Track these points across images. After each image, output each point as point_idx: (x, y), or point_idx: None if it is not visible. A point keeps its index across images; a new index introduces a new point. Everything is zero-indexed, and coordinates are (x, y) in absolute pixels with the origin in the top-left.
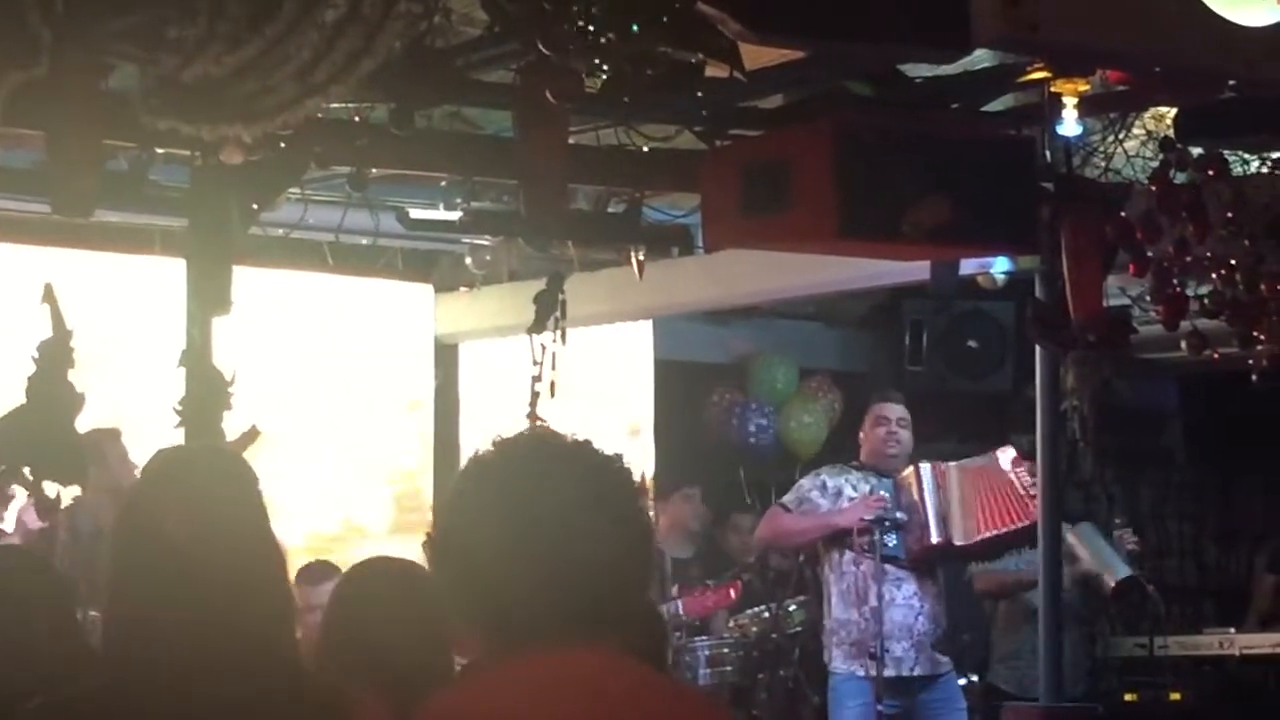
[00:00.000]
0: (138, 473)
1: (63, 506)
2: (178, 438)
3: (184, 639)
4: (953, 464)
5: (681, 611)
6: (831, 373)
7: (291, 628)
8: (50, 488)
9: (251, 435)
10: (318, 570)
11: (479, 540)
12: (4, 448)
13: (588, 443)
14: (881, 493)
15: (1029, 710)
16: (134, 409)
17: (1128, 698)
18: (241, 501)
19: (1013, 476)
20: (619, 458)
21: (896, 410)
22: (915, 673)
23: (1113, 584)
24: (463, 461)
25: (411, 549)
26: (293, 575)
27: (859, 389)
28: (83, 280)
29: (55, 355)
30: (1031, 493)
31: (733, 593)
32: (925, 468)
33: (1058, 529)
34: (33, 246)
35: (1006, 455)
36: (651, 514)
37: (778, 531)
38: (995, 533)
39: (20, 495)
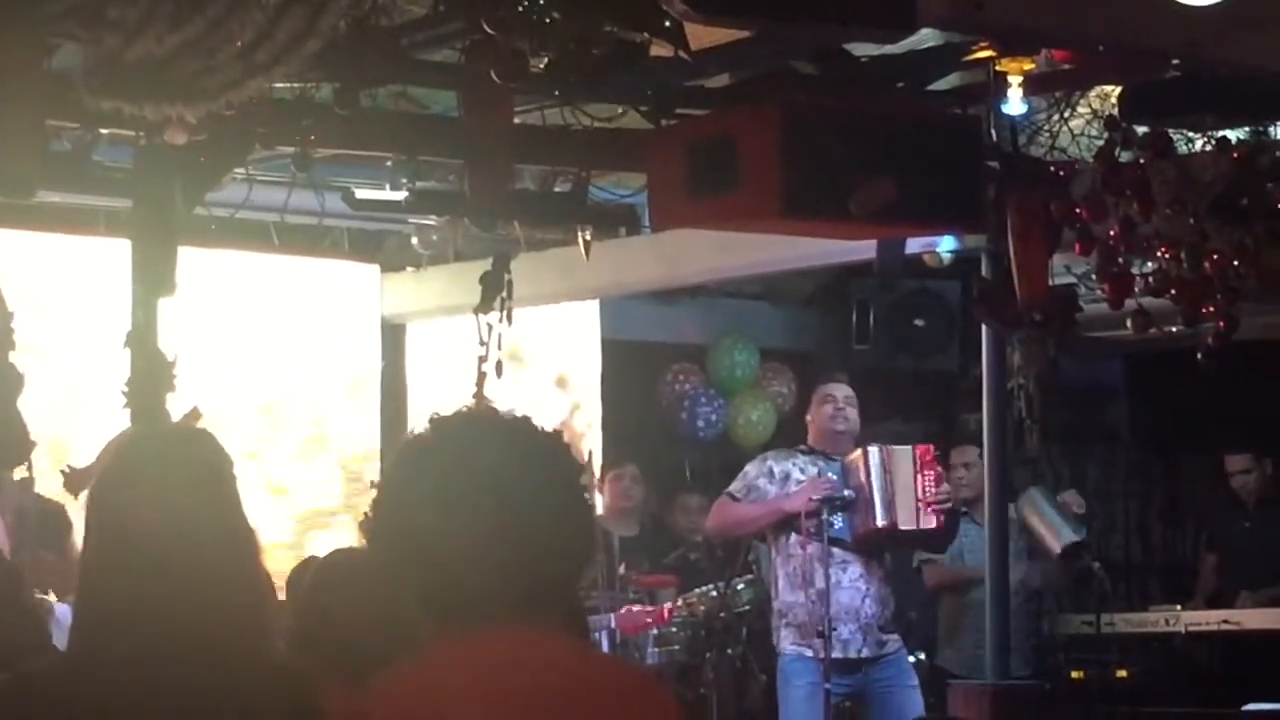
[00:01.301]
0: (98, 455)
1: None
2: (124, 419)
3: (147, 624)
4: (900, 448)
5: (614, 626)
6: (777, 352)
7: (260, 612)
8: None
9: (193, 416)
10: None
11: (418, 520)
12: None
13: (526, 419)
14: (830, 475)
15: (976, 689)
16: (79, 391)
17: (1074, 675)
18: (205, 487)
19: (917, 480)
20: (558, 434)
21: (842, 389)
22: (863, 654)
23: (1058, 548)
24: None
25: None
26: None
27: (806, 368)
28: (26, 261)
29: None
30: (928, 499)
31: (666, 613)
32: (874, 450)
33: (1004, 508)
34: None
35: (922, 455)
36: (595, 493)
37: (727, 521)
38: (909, 528)
39: None
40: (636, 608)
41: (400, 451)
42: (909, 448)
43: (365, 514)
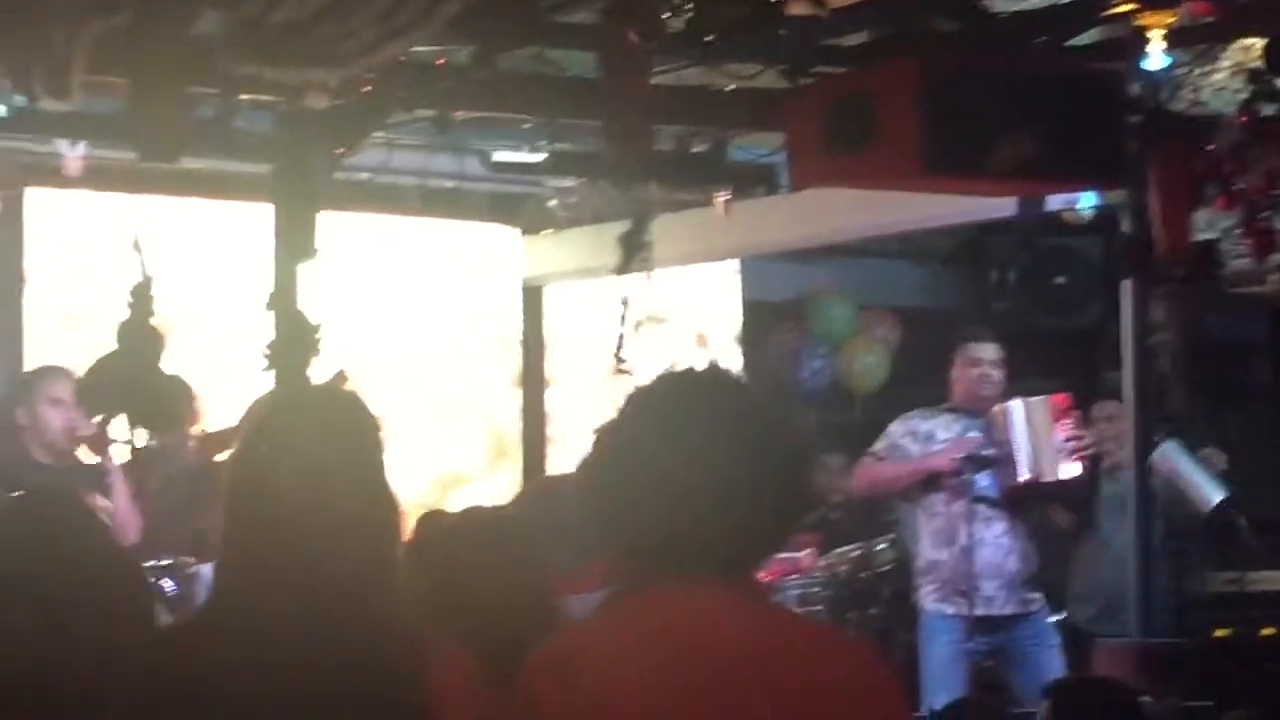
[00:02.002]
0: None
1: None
2: (266, 382)
3: (284, 588)
4: (1038, 399)
5: None
6: (915, 309)
7: (390, 579)
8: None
9: (339, 379)
10: None
11: (628, 471)
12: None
13: (742, 382)
14: (974, 433)
15: (1118, 647)
16: (221, 354)
17: (1218, 633)
18: (350, 449)
19: (1055, 428)
20: (773, 398)
21: (990, 350)
22: (1006, 611)
23: (1208, 508)
24: (549, 402)
25: (502, 491)
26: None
27: (943, 326)
28: (168, 227)
29: (141, 300)
30: (1068, 447)
31: (804, 561)
32: (1016, 404)
33: (1147, 463)
34: (118, 194)
35: (1060, 404)
36: None
37: (873, 481)
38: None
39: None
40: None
41: (619, 405)
42: (1044, 398)
43: (584, 460)
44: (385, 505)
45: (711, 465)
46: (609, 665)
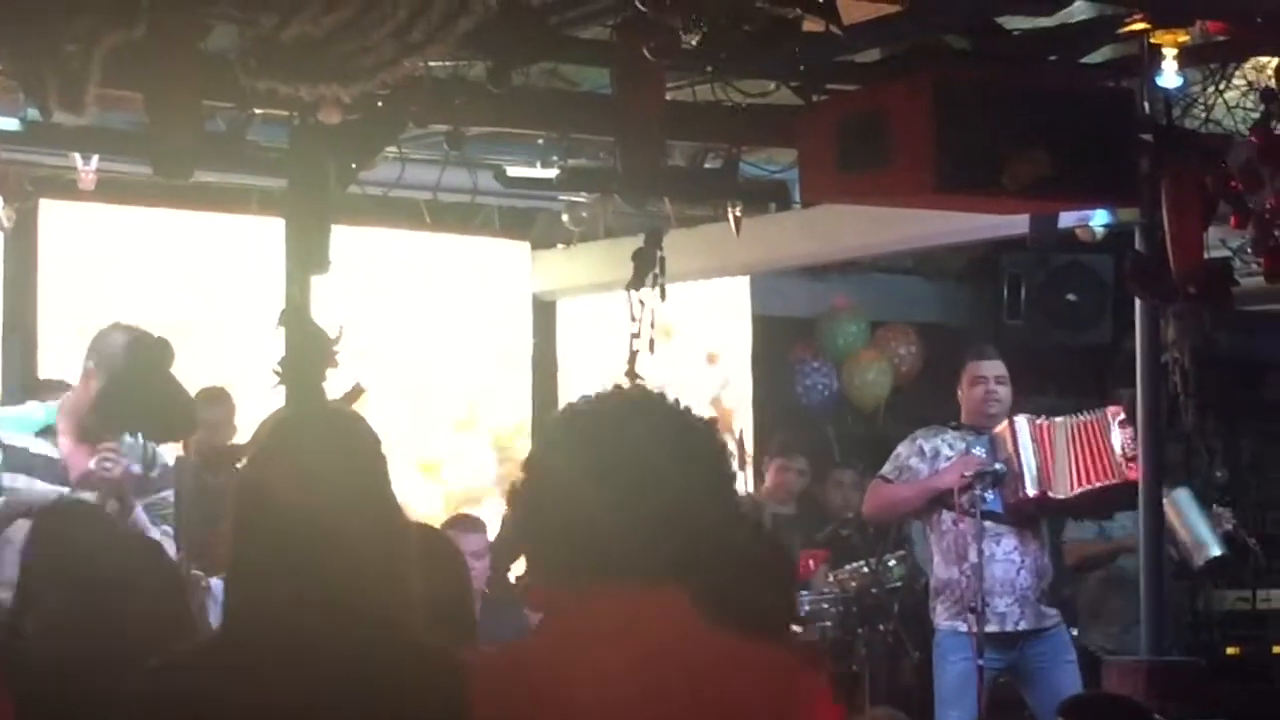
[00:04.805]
0: (241, 435)
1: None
2: (278, 397)
3: (297, 606)
4: (1058, 419)
5: None
6: (928, 325)
7: (406, 592)
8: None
9: (355, 393)
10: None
11: (562, 488)
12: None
13: (663, 395)
14: (977, 449)
15: (1132, 666)
16: (234, 369)
17: (1230, 651)
18: (355, 466)
19: (1115, 437)
20: (692, 410)
21: (993, 368)
22: (1020, 627)
23: (1200, 563)
24: None
25: None
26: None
27: (956, 343)
28: (181, 240)
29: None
30: (1129, 455)
31: (812, 563)
32: (1021, 421)
33: (1159, 483)
34: (131, 207)
35: (1115, 416)
36: (753, 469)
37: (882, 504)
38: (1085, 488)
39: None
40: None
41: (547, 427)
42: (1103, 410)
43: (512, 485)
44: (392, 519)
45: (648, 478)
46: (559, 678)
